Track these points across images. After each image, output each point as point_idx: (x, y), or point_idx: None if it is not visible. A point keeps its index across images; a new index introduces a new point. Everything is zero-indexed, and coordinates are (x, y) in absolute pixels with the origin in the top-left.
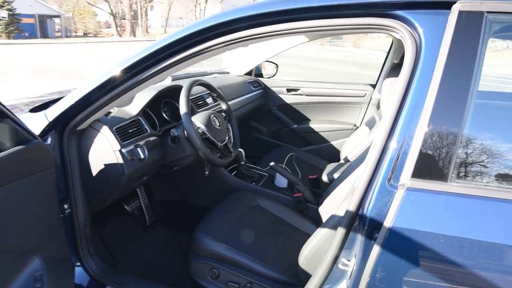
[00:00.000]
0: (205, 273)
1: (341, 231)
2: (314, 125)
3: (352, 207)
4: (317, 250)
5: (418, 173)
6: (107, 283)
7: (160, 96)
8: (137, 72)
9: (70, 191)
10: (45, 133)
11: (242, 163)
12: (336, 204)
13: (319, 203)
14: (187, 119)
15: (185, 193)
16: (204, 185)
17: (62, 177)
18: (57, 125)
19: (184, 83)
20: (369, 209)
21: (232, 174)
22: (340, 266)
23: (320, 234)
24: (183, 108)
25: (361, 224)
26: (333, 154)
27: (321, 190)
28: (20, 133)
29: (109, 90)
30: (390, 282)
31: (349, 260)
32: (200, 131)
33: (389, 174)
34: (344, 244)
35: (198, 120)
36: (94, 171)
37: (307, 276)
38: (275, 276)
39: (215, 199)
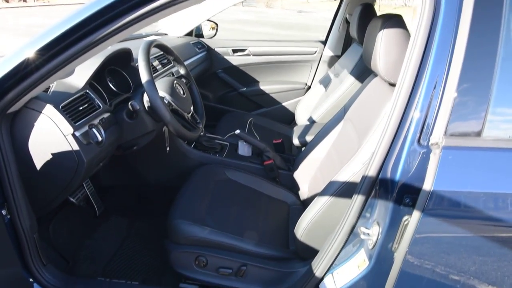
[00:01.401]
0: (190, 262)
1: (359, 198)
2: (264, 87)
3: (373, 172)
4: (317, 220)
5: (451, 130)
6: None
7: (104, 63)
8: (85, 33)
9: (7, 193)
10: None
11: (201, 133)
12: (313, 168)
13: (291, 168)
14: (152, 87)
15: (141, 175)
16: (164, 163)
17: None
18: None
19: (131, 46)
20: (397, 173)
21: (191, 147)
22: (362, 236)
23: (319, 203)
24: (144, 75)
25: (383, 189)
26: (287, 116)
27: (289, 155)
28: None
29: (50, 58)
30: (431, 249)
31: (367, 228)
32: (165, 102)
33: (417, 134)
34: (362, 211)
35: (160, 88)
36: (38, 164)
37: (307, 249)
38: (270, 254)
39: (177, 176)
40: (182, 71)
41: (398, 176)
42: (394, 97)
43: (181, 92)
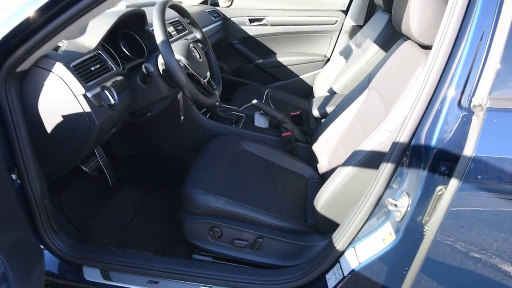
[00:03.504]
0: (204, 233)
1: (388, 167)
2: (282, 59)
3: (404, 138)
4: (339, 192)
5: (497, 91)
6: (82, 262)
7: (117, 25)
8: None
9: (17, 156)
10: None
11: (217, 104)
12: (334, 139)
13: (310, 141)
14: (167, 49)
15: (154, 145)
16: (178, 132)
17: (3, 138)
18: None
19: (146, 9)
20: (432, 139)
21: (207, 117)
22: (389, 207)
23: (341, 175)
24: (159, 35)
25: (416, 157)
26: (305, 89)
27: (307, 128)
28: None
29: (59, 11)
30: (468, 223)
31: (395, 200)
32: (181, 65)
33: (458, 96)
34: (390, 182)
35: (176, 51)
36: (49, 126)
37: (327, 222)
38: (287, 226)
39: (192, 147)
40: (198, 36)
41: (434, 142)
42: (431, 59)
43: (198, 56)
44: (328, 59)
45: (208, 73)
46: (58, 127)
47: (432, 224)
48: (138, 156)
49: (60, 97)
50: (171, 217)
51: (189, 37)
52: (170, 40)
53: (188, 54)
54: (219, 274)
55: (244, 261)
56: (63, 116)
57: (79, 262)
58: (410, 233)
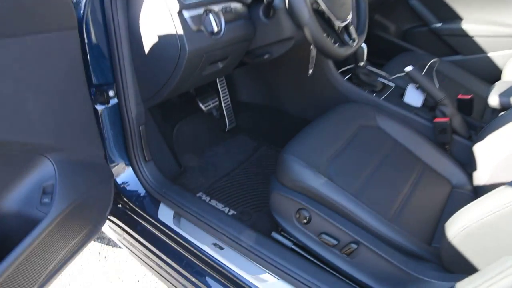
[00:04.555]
0: (290, 213)
1: None
2: (468, 26)
3: None
4: (496, 221)
5: None
6: (161, 199)
7: None
8: None
9: (117, 73)
10: None
11: (362, 63)
12: (511, 144)
13: (473, 137)
14: None
15: (277, 97)
16: (305, 88)
17: (105, 51)
18: None
19: None
20: None
21: (345, 78)
22: None
23: (505, 198)
24: None
25: None
26: (489, 71)
27: (474, 120)
28: None
29: None
30: None
31: None
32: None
33: None
34: None
35: None
36: (146, 46)
37: (457, 257)
38: (399, 242)
39: (317, 109)
40: None
41: None
42: None
43: None
44: None
45: (349, 17)
46: (153, 48)
47: None
48: (261, 106)
49: (157, 13)
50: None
51: None
52: None
53: None
54: (296, 271)
55: (326, 262)
56: (158, 36)
57: (158, 197)
58: None
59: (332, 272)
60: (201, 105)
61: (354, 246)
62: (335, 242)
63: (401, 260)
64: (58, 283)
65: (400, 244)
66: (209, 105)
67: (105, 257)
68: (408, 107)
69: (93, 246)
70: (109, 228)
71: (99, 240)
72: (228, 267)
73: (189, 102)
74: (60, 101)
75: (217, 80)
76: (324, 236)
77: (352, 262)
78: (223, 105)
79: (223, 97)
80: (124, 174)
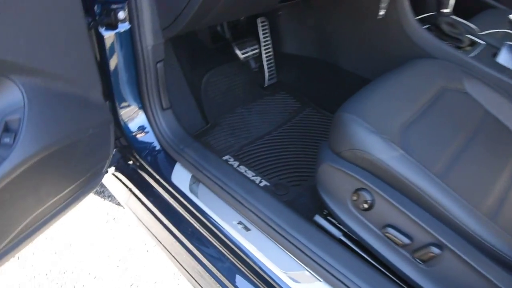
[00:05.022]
0: (344, 191)
1: None
2: None
3: None
4: None
5: None
6: (177, 158)
7: None
8: None
9: None
10: None
11: (447, 10)
12: None
13: None
14: None
15: (331, 49)
16: (367, 38)
17: None
18: None
19: None
20: None
21: (424, 27)
22: None
23: None
24: None
25: None
26: None
27: None
28: None
29: None
30: None
31: None
32: None
33: None
34: None
35: None
36: None
37: None
38: (497, 249)
39: (383, 65)
40: None
41: None
42: None
43: None
44: None
45: None
46: None
47: None
48: (309, 59)
49: None
50: (315, 149)
51: None
52: None
53: None
54: (345, 272)
55: (388, 265)
56: None
57: (173, 155)
58: None
59: (396, 280)
60: (237, 51)
61: (435, 250)
62: (406, 240)
63: (502, 278)
64: (60, 241)
65: (500, 252)
66: (247, 52)
67: (114, 219)
68: (504, 69)
69: (102, 205)
70: (115, 188)
71: (110, 199)
72: (253, 255)
73: (224, 50)
74: (36, 6)
75: (259, 24)
76: (390, 230)
77: (429, 272)
78: (263, 56)
79: (264, 45)
80: (136, 120)
